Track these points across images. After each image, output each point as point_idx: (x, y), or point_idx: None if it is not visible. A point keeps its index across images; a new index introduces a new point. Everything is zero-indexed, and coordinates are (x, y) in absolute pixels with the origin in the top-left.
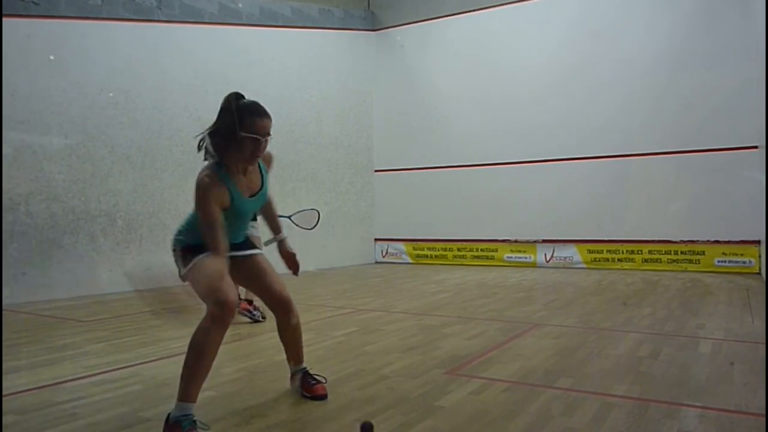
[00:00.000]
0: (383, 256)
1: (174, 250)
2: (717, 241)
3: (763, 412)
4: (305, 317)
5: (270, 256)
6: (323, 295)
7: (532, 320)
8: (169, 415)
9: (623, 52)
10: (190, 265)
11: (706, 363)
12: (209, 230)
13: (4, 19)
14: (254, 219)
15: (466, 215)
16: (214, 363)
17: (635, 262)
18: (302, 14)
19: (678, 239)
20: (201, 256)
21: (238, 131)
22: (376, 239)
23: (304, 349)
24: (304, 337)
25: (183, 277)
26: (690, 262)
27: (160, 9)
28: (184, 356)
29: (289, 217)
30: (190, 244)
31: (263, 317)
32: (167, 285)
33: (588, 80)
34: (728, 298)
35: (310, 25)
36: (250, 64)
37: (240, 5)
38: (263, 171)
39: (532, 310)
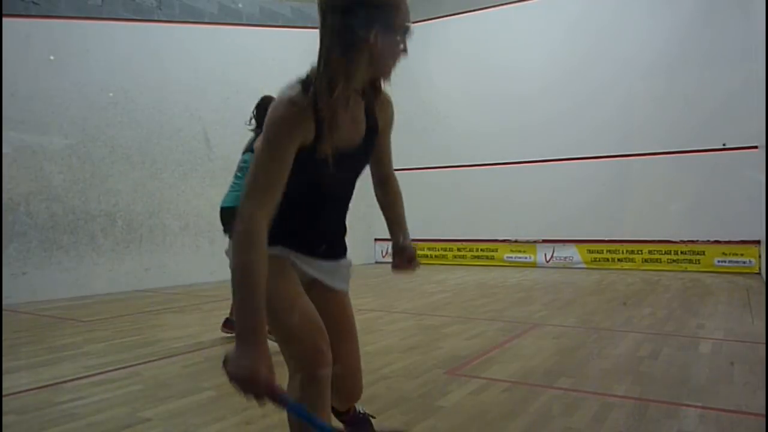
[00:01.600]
0: (383, 256)
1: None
2: (717, 241)
3: (763, 412)
4: None
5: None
6: None
7: (532, 320)
8: None
9: (623, 52)
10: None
11: (706, 363)
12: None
13: (4, 19)
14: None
15: (466, 215)
16: (215, 363)
17: (635, 262)
18: (302, 14)
19: (678, 239)
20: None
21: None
22: (376, 239)
23: None
24: None
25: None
26: (690, 262)
27: (160, 9)
28: (183, 356)
29: None
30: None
31: None
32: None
33: (588, 80)
34: (728, 298)
35: (310, 25)
36: (250, 64)
37: (240, 5)
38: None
39: (532, 310)
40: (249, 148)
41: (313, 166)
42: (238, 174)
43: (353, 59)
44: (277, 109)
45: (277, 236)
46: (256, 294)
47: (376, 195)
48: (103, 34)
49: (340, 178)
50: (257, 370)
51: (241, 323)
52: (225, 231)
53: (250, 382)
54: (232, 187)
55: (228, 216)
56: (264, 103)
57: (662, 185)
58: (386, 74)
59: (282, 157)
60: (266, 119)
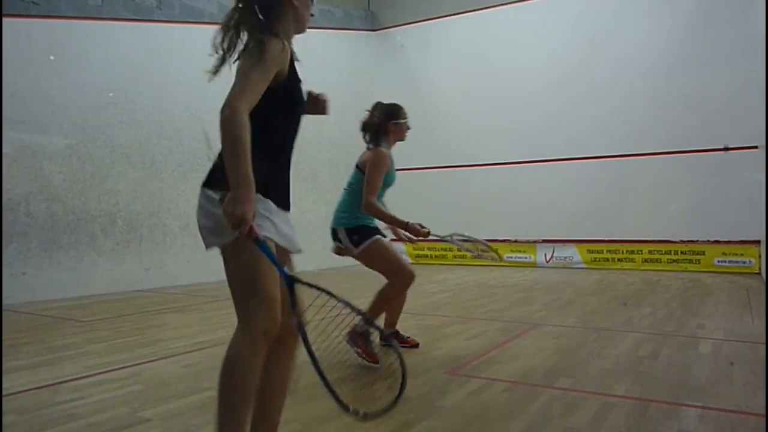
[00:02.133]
0: None
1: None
2: (717, 241)
3: (763, 412)
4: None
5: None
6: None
7: (532, 320)
8: None
9: (623, 52)
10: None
11: (706, 363)
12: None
13: (4, 19)
14: None
15: (466, 215)
16: (215, 363)
17: (635, 262)
18: None
19: (678, 239)
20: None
21: None
22: None
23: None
24: None
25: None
26: (690, 262)
27: (160, 9)
28: (183, 356)
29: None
30: (352, 227)
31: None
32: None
33: (588, 80)
34: (728, 298)
35: (310, 25)
36: None
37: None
38: None
39: (532, 310)
40: (358, 165)
41: (295, 98)
42: (346, 188)
43: (281, 17)
44: (269, 42)
45: (268, 186)
46: (245, 153)
47: None
48: (103, 34)
49: (301, 115)
50: (249, 210)
51: (236, 173)
52: (337, 249)
53: (243, 219)
54: (339, 206)
55: (335, 234)
56: (387, 108)
57: (662, 185)
58: (304, 29)
59: (268, 77)
60: (256, 49)
